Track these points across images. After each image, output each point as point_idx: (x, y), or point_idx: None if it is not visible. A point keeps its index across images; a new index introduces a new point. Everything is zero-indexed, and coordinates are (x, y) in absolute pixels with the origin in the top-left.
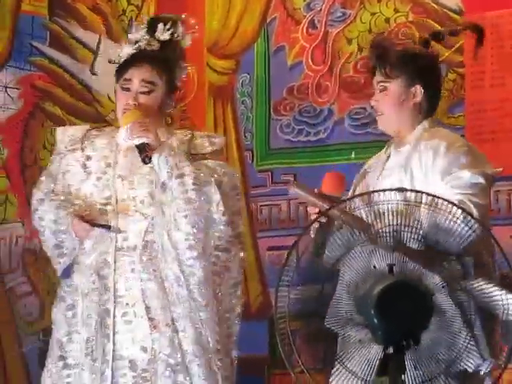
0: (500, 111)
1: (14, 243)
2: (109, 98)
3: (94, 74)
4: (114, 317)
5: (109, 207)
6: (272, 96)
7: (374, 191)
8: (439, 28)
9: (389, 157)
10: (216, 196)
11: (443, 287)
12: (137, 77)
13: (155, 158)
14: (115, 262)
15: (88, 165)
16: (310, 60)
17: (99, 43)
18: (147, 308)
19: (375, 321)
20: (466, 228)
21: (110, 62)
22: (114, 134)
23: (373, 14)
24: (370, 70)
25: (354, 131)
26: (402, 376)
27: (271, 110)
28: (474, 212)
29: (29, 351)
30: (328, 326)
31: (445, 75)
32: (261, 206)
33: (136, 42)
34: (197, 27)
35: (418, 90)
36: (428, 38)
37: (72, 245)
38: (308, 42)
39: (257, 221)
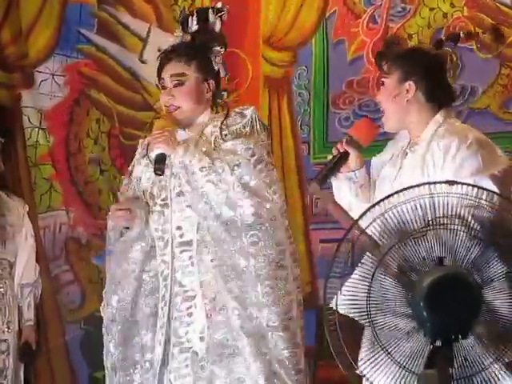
0: None
1: (57, 231)
2: (157, 86)
3: (142, 62)
4: (181, 311)
5: (166, 209)
6: (330, 89)
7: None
8: (489, 22)
9: (406, 154)
10: (232, 181)
11: (493, 280)
12: (168, 73)
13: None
14: (173, 260)
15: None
16: (370, 55)
17: (149, 31)
18: (207, 300)
19: (424, 313)
20: None
21: (159, 50)
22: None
23: (431, 9)
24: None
25: None
26: (450, 369)
27: (329, 103)
28: None
29: (71, 339)
30: (375, 317)
31: (499, 70)
32: (316, 198)
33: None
34: (226, 9)
35: (412, 86)
36: (441, 39)
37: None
38: (369, 36)
39: (311, 213)
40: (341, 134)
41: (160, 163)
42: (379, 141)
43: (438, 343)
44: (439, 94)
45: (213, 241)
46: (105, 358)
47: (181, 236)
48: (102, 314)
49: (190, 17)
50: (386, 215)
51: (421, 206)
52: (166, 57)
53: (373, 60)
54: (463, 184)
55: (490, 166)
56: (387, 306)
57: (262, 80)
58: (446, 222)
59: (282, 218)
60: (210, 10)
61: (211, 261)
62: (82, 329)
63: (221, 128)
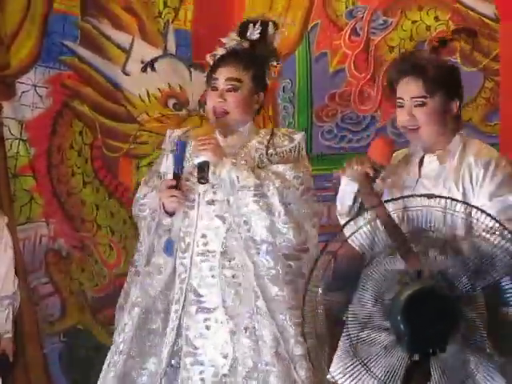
0: None
1: (37, 242)
2: (140, 98)
3: (126, 74)
4: (198, 322)
5: (191, 212)
6: (314, 102)
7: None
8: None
9: (421, 164)
10: (278, 205)
11: (471, 293)
12: (223, 75)
13: (218, 174)
14: (191, 266)
15: (184, 165)
16: (352, 67)
17: (132, 43)
18: (227, 314)
19: (402, 327)
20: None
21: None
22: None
23: (414, 21)
24: (390, 82)
25: (396, 139)
26: (428, 383)
27: (313, 116)
28: None
29: (50, 352)
30: (353, 331)
31: (482, 83)
32: None
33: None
34: (285, 27)
35: (456, 105)
36: (436, 45)
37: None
38: (350, 49)
39: None
40: (324, 147)
41: (204, 171)
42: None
43: (416, 357)
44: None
45: (238, 259)
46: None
47: (204, 244)
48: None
49: (251, 25)
50: (365, 228)
51: (399, 218)
52: (224, 58)
53: (355, 72)
54: (441, 197)
55: None
56: (366, 319)
57: None
58: (425, 234)
59: (314, 251)
60: (271, 23)
61: (232, 277)
62: (61, 341)
63: (267, 146)
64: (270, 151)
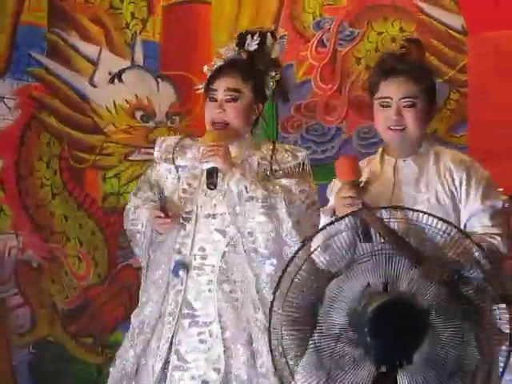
0: (502, 131)
1: (7, 254)
2: (107, 109)
3: (93, 85)
4: (191, 336)
5: (188, 224)
6: (279, 113)
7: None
8: (440, 47)
9: (395, 170)
10: (287, 218)
11: (437, 306)
12: (222, 86)
13: (226, 183)
14: (187, 279)
15: (180, 175)
16: (318, 78)
17: (100, 55)
18: (222, 328)
19: (368, 339)
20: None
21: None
22: (201, 144)
23: (379, 33)
24: (375, 81)
25: (362, 150)
26: None
27: (278, 127)
28: (502, 248)
29: (19, 364)
30: (321, 343)
31: (448, 95)
32: None
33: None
34: (284, 39)
35: (436, 107)
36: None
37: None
38: (317, 60)
39: None
40: None
41: (213, 177)
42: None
43: (383, 369)
44: None
45: (237, 274)
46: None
47: (202, 258)
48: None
49: (250, 36)
50: (332, 240)
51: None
52: (222, 69)
53: (321, 84)
54: (407, 209)
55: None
56: (333, 331)
57: None
58: (390, 247)
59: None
60: (269, 34)
61: (230, 292)
62: (31, 353)
63: (271, 162)
64: (275, 167)
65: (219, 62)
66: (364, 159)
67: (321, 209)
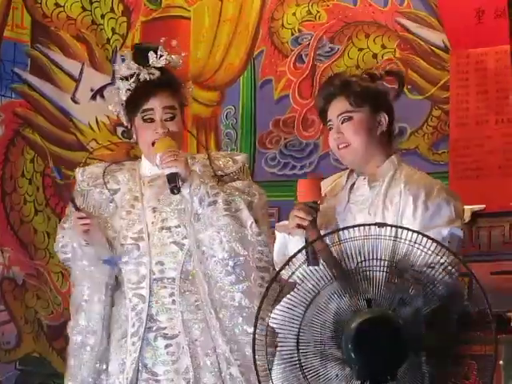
0: (484, 148)
1: None
2: (90, 126)
3: (75, 102)
4: (157, 349)
5: (141, 242)
6: (258, 129)
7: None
8: (421, 64)
9: (351, 188)
10: (249, 218)
11: (421, 322)
12: (158, 105)
13: (186, 188)
14: (151, 295)
15: (115, 199)
16: (296, 94)
17: (82, 71)
18: (189, 340)
19: (352, 355)
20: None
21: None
22: (134, 167)
23: (360, 49)
24: (320, 108)
25: (339, 165)
26: None
27: (256, 143)
28: None
29: (5, 380)
30: (305, 359)
31: (429, 112)
32: None
33: (131, 75)
34: (182, 54)
35: (384, 118)
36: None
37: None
38: (295, 75)
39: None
40: (267, 174)
41: (175, 182)
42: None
43: None
44: (392, 128)
45: (204, 279)
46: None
47: (161, 272)
48: (69, 334)
49: (151, 52)
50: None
51: (351, 247)
52: (151, 88)
53: (299, 99)
54: (392, 226)
55: (459, 212)
56: (317, 348)
57: (191, 119)
58: (374, 264)
59: None
60: (161, 47)
61: (195, 301)
62: (17, 369)
63: (213, 169)
64: (219, 173)
65: (127, 84)
66: (339, 173)
67: (276, 224)
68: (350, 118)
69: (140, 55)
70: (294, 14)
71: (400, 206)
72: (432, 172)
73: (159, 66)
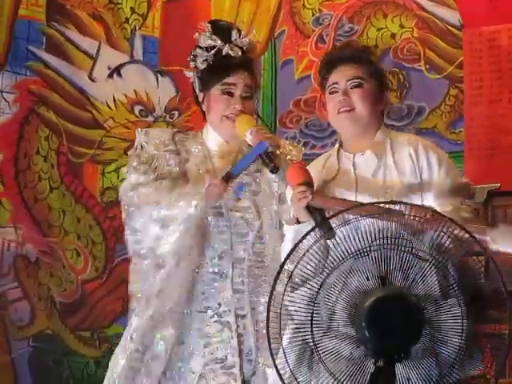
0: (498, 127)
1: (6, 248)
2: (107, 104)
3: (92, 80)
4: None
5: (220, 219)
6: (278, 108)
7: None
8: (439, 43)
9: (354, 166)
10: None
11: (435, 300)
12: (241, 81)
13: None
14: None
15: (187, 169)
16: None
17: (99, 50)
18: (255, 320)
19: (366, 333)
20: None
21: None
22: (200, 139)
23: (379, 29)
24: (325, 71)
25: None
26: None
27: (277, 122)
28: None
29: (18, 357)
30: (319, 338)
31: (447, 91)
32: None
33: (212, 47)
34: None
35: (387, 97)
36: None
37: None
38: (316, 56)
39: None
40: None
41: (274, 161)
42: None
43: (381, 363)
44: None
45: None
46: None
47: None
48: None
49: (234, 31)
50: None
51: (364, 225)
52: (237, 64)
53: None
54: (404, 203)
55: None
56: (331, 327)
57: None
58: (387, 242)
59: None
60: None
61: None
62: (30, 346)
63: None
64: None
65: (213, 56)
66: (320, 156)
67: (283, 220)
68: (361, 85)
69: (221, 31)
70: None
71: (416, 168)
72: (450, 151)
73: (241, 45)
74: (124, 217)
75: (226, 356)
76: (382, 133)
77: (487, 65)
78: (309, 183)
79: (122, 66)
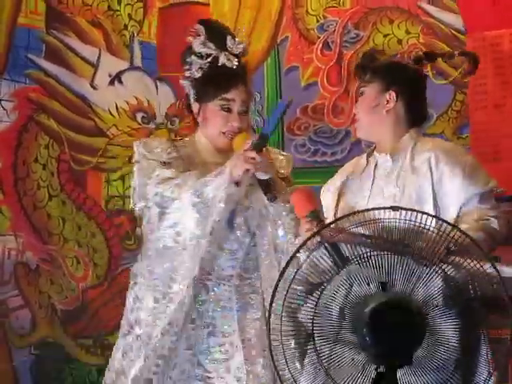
0: (502, 131)
1: (6, 256)
2: (109, 111)
3: (94, 87)
4: (211, 347)
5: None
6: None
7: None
8: (444, 49)
9: (376, 166)
10: None
11: (437, 306)
12: (238, 97)
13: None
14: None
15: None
16: (325, 81)
17: (99, 57)
18: (242, 339)
19: (367, 339)
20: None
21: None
22: (194, 148)
23: (385, 35)
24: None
25: None
26: None
27: (284, 129)
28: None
29: (20, 365)
30: (320, 344)
31: (453, 96)
32: None
33: (208, 55)
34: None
35: (393, 95)
36: (421, 55)
37: None
38: (323, 62)
39: None
40: (297, 160)
41: (272, 190)
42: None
43: (382, 369)
44: (417, 108)
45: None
46: None
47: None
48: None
49: (229, 37)
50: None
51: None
52: (234, 79)
53: (328, 86)
54: (407, 210)
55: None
56: (332, 333)
57: None
58: (389, 247)
59: None
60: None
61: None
62: (32, 354)
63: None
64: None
65: (208, 64)
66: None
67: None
68: (362, 93)
69: (216, 36)
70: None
71: (433, 174)
72: None
73: (237, 52)
74: (153, 220)
75: None
76: (409, 136)
77: (491, 69)
78: (315, 213)
79: (122, 72)
